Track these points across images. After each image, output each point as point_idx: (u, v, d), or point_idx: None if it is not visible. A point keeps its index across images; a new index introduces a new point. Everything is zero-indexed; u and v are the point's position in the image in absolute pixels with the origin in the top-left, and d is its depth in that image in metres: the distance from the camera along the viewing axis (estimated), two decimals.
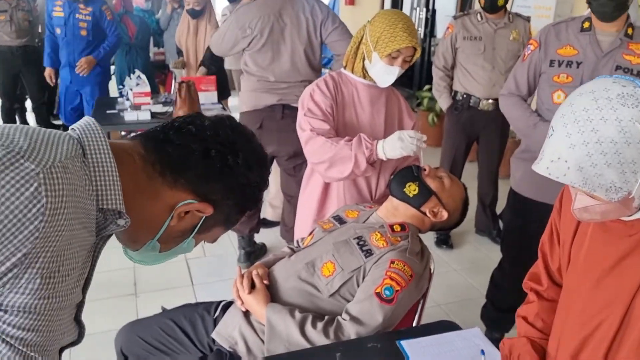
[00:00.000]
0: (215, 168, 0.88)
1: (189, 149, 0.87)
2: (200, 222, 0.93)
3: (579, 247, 1.17)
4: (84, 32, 4.43)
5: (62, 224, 0.73)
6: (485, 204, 3.60)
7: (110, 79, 5.04)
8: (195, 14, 4.49)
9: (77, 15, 4.38)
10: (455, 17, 3.36)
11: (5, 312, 0.75)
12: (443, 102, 3.44)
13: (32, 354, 0.78)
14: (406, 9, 7.32)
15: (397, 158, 1.74)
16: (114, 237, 0.91)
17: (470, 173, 3.63)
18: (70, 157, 0.76)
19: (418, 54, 1.80)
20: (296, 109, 2.83)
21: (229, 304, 1.63)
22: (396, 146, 1.69)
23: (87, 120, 0.86)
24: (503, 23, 3.19)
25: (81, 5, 4.40)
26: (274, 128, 2.89)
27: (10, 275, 0.71)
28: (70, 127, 0.86)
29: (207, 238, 1.01)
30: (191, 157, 0.87)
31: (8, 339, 0.76)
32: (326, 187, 1.92)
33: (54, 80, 4.73)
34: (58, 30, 4.45)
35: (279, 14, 2.76)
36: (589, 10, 1.97)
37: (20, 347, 0.77)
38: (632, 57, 1.93)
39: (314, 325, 1.38)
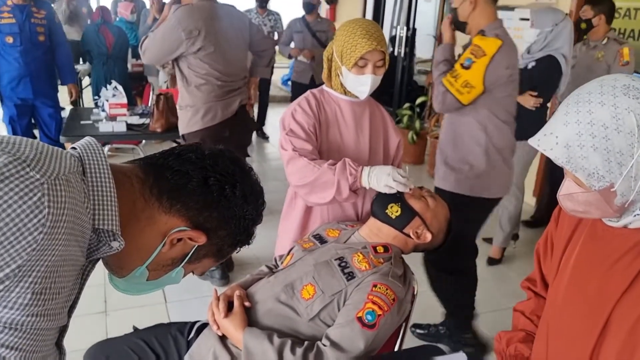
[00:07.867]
0: (212, 197, 0.88)
1: (188, 176, 0.87)
2: (192, 251, 0.91)
3: (568, 257, 1.17)
4: (42, 38, 4.11)
5: (60, 237, 0.71)
6: None
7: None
8: None
9: (32, 20, 4.03)
10: None
11: None
12: None
13: None
14: (386, 27, 7.39)
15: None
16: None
17: None
18: (72, 172, 0.76)
19: (388, 57, 1.75)
20: (243, 107, 3.03)
21: (204, 325, 1.56)
22: (382, 181, 1.61)
23: (88, 140, 0.85)
24: None
25: (34, 9, 4.05)
26: (237, 132, 3.00)
27: (1, 287, 0.68)
28: (71, 146, 0.85)
29: (196, 269, 0.98)
30: (189, 183, 0.86)
31: None
32: (310, 207, 1.87)
33: None
34: (10, 39, 3.98)
35: (217, 16, 2.85)
36: None
37: None
38: None
39: (293, 352, 1.32)
